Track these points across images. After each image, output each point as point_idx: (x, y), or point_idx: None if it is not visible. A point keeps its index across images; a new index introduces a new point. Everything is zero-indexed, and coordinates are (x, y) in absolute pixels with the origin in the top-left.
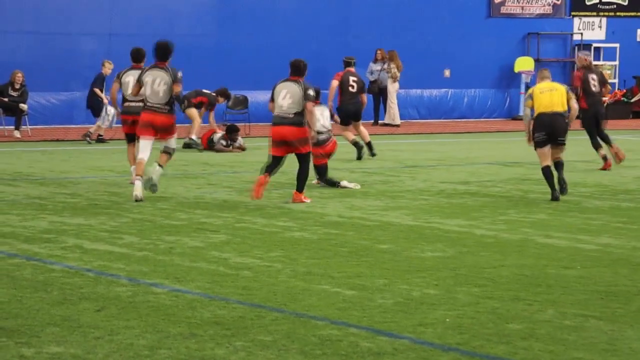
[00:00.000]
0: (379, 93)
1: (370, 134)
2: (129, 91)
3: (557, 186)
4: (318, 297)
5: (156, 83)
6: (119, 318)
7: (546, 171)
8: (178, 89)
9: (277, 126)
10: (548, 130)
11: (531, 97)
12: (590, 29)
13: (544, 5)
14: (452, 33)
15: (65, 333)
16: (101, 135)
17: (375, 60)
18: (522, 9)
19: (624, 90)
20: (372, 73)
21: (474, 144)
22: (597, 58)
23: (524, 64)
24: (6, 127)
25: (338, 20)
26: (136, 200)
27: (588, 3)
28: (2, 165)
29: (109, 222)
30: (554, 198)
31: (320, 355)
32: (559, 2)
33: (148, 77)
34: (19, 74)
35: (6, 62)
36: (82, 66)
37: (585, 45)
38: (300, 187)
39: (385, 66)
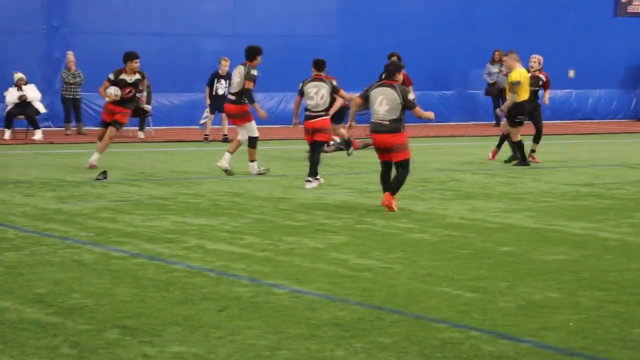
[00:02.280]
0: (499, 94)
1: (491, 135)
2: (312, 102)
3: None
4: (438, 300)
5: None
6: (240, 318)
7: None
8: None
9: (375, 134)
10: None
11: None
12: None
13: None
14: (578, 33)
15: (187, 333)
16: (207, 135)
17: (493, 62)
18: None
19: None
20: (490, 75)
21: (598, 145)
22: None
23: None
24: (130, 128)
25: (461, 20)
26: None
27: None
28: (126, 166)
29: (231, 223)
30: None
31: (441, 358)
32: None
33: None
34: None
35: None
36: (205, 67)
37: None
38: (394, 191)
39: (503, 68)
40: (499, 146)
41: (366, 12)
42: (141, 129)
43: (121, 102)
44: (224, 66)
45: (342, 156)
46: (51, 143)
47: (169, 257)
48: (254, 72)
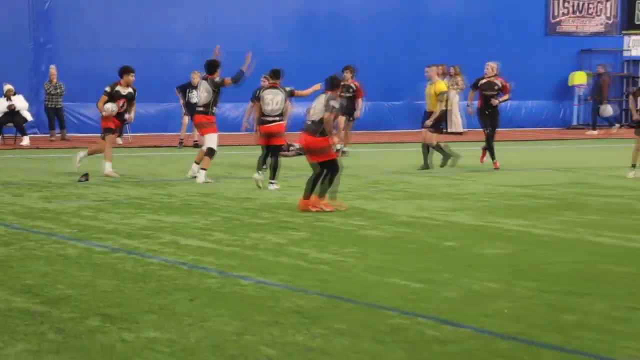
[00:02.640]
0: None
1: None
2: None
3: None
4: (389, 290)
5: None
6: (209, 307)
7: None
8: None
9: (301, 132)
10: None
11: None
12: None
13: (598, 25)
14: (512, 50)
15: (161, 320)
16: (182, 139)
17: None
18: (577, 27)
19: None
20: None
21: (531, 151)
22: None
23: (578, 78)
24: None
25: (406, 38)
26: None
27: (638, 22)
28: None
29: (201, 221)
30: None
31: (390, 342)
32: (610, 22)
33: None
34: None
35: (113, 77)
36: (177, 80)
37: (635, 61)
38: (331, 192)
39: (450, 80)
40: (485, 149)
41: (324, 31)
42: (119, 135)
43: (117, 114)
44: (195, 79)
45: (303, 160)
46: (37, 148)
47: (145, 251)
48: (218, 79)
